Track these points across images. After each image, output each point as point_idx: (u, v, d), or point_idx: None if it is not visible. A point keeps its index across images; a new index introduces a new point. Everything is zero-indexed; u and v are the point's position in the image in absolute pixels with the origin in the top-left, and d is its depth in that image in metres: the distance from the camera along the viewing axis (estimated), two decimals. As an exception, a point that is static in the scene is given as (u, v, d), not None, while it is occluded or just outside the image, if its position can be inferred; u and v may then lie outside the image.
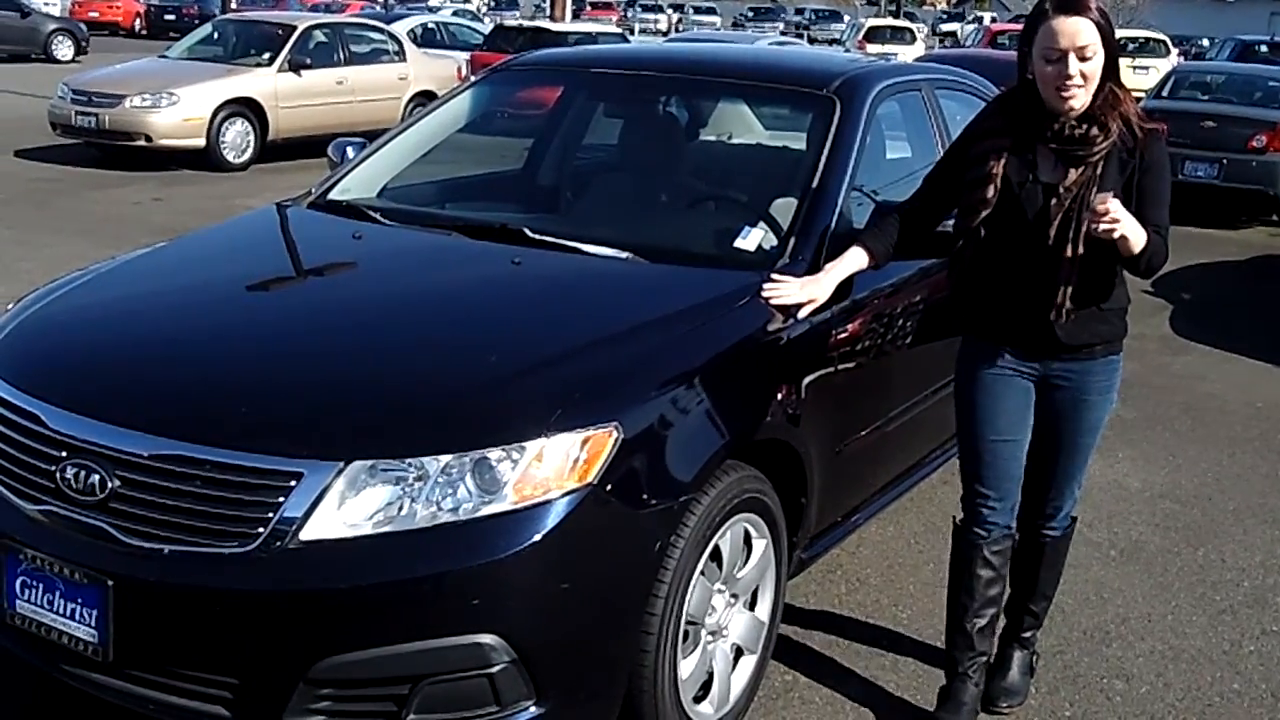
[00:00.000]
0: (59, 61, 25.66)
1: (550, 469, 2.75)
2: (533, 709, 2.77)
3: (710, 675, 3.28)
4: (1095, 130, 3.15)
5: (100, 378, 3.09)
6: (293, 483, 2.69)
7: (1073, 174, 3.15)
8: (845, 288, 3.60)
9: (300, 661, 2.67)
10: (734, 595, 3.35)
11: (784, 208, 3.87)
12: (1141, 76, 22.74)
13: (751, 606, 3.45)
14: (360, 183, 4.41)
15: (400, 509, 2.69)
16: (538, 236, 3.76)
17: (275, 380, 3.04)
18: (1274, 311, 9.48)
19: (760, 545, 3.39)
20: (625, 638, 2.93)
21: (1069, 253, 3.16)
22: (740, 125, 4.78)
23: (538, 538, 2.70)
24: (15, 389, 3.06)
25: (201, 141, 12.68)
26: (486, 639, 2.69)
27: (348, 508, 2.68)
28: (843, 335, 3.67)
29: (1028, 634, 3.73)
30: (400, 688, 2.70)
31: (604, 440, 2.82)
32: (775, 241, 3.72)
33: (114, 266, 3.81)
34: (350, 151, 4.63)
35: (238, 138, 13.09)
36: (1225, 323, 8.81)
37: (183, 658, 2.76)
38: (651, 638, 2.96)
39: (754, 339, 3.37)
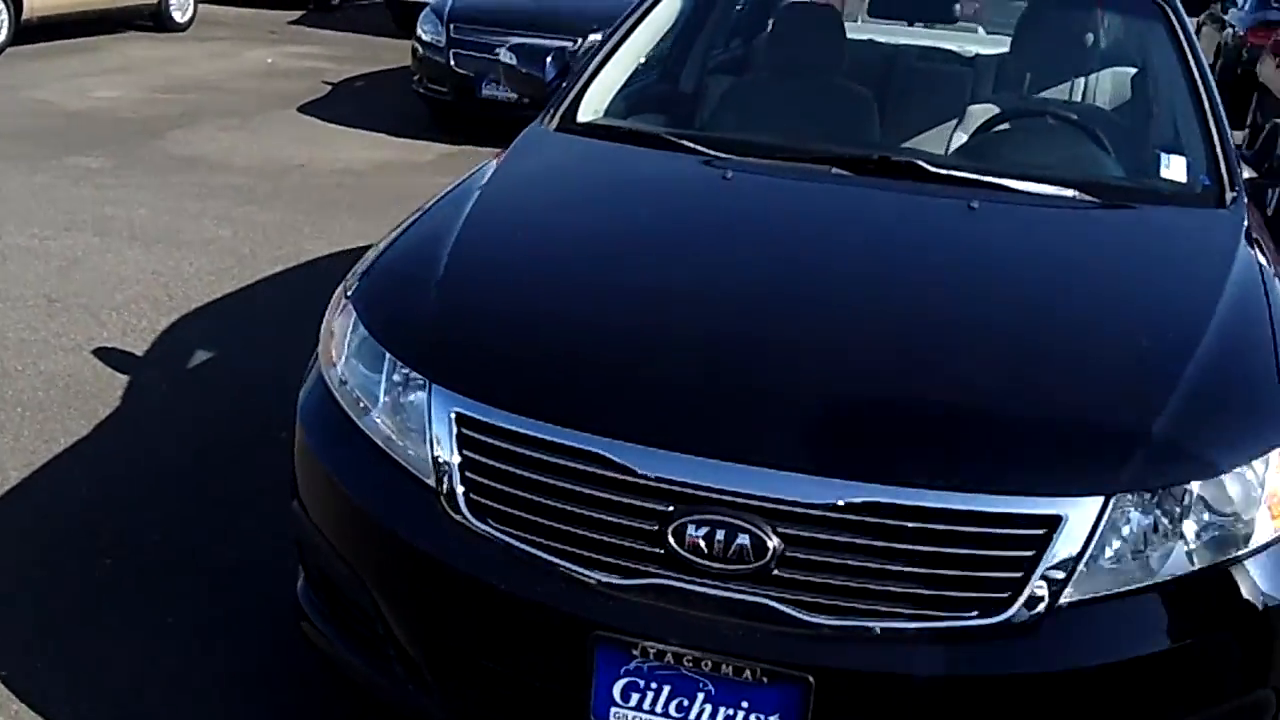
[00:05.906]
0: None
1: None
2: None
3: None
4: None
5: (681, 398, 2.29)
6: (1046, 529, 2.09)
7: None
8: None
9: None
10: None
11: (1158, 124, 3.46)
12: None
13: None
14: (604, 100, 3.62)
15: (1168, 549, 2.15)
16: (939, 170, 3.16)
17: (946, 390, 2.33)
18: None
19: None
20: None
21: None
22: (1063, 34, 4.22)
23: None
24: (549, 422, 2.22)
25: (-51, 22, 10.70)
26: (1267, 694, 2.23)
27: (1112, 553, 2.12)
28: None
29: None
30: None
31: None
32: (1202, 171, 3.27)
33: (456, 232, 2.80)
34: (549, 62, 3.79)
35: (-10, 18, 11.11)
36: None
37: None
38: None
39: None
